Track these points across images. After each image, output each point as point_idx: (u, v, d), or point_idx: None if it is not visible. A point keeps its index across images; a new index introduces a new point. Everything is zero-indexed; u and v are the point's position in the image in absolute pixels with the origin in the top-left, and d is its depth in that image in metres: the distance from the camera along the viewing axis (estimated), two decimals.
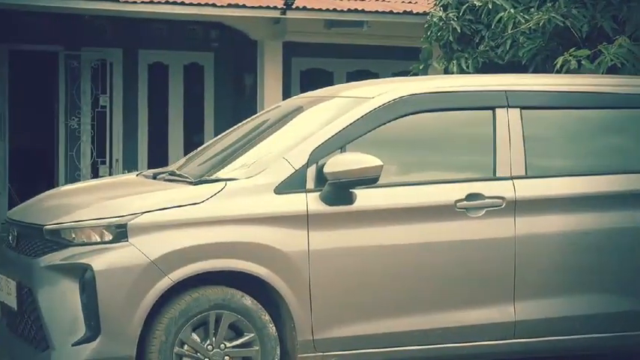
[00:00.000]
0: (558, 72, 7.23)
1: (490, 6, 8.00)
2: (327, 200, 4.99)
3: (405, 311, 5.10)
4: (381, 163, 4.95)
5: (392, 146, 5.26)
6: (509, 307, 5.22)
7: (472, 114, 5.42)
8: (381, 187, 5.09)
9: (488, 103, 5.41)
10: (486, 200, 5.20)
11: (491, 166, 5.32)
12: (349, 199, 5.02)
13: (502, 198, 5.22)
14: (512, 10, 7.82)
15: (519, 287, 5.22)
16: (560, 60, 7.22)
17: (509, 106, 5.39)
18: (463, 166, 5.37)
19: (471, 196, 5.20)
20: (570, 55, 7.18)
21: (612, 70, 7.15)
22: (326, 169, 4.98)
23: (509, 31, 7.78)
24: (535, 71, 7.74)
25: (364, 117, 5.18)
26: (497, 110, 5.37)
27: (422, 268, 5.14)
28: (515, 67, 7.85)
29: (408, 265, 5.11)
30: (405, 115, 5.26)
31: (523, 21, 7.74)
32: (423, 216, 5.13)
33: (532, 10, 7.83)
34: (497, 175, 5.28)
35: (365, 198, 5.05)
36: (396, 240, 5.08)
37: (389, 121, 5.22)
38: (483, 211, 5.19)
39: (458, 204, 5.18)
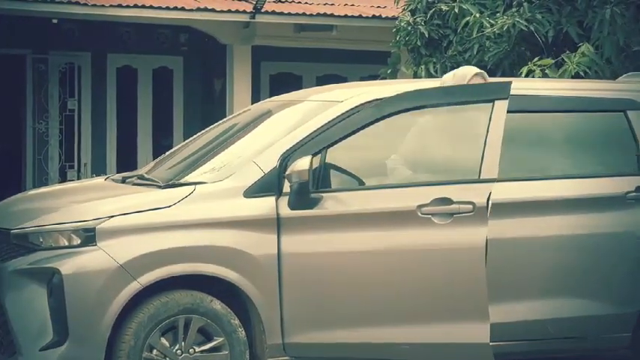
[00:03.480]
0: None
1: (457, 10, 8.07)
2: (291, 205, 4.98)
3: (367, 322, 5.03)
4: (305, 168, 4.83)
5: (362, 149, 5.25)
6: (484, 326, 5.03)
7: (441, 117, 5.37)
8: (346, 191, 5.08)
9: (452, 101, 5.29)
10: (453, 206, 5.09)
11: (462, 170, 5.24)
12: (308, 204, 4.97)
13: (472, 203, 5.09)
14: (477, 15, 7.89)
15: (492, 301, 5.02)
16: (524, 70, 7.30)
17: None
18: (432, 169, 5.31)
19: (436, 201, 5.10)
20: (534, 65, 7.25)
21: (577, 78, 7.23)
22: (284, 175, 4.96)
23: (475, 35, 7.85)
24: (503, 76, 7.81)
25: (333, 120, 5.18)
26: (471, 112, 5.31)
27: (381, 277, 5.04)
28: None
29: (367, 274, 5.03)
30: (375, 119, 5.23)
31: (489, 26, 7.81)
32: (386, 222, 5.03)
33: (498, 14, 7.91)
34: (467, 178, 5.15)
35: (328, 203, 5.01)
36: (356, 247, 5.01)
37: (358, 124, 5.18)
38: (451, 218, 5.07)
39: (422, 209, 5.10)
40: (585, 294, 5.30)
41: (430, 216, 5.06)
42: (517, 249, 5.18)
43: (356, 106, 5.25)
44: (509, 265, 5.17)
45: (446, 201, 5.09)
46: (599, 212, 5.34)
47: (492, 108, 5.21)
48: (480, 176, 5.14)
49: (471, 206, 5.08)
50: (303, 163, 4.88)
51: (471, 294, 5.05)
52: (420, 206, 5.06)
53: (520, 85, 5.53)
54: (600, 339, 5.42)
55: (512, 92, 5.29)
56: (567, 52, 7.27)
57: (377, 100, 5.25)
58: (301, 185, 4.90)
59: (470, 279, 5.05)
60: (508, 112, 5.21)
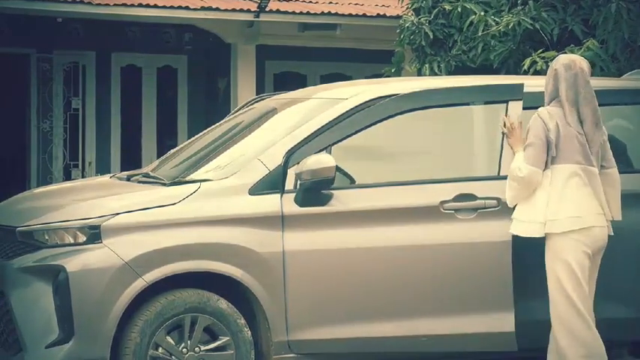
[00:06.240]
0: (526, 73, 7.30)
1: (460, 9, 8.07)
2: (300, 202, 4.99)
3: (380, 317, 5.05)
4: (333, 164, 4.87)
5: (369, 146, 5.24)
6: (509, 316, 5.08)
7: (450, 113, 5.35)
8: (358, 188, 5.09)
9: (465, 102, 5.36)
10: (478, 201, 5.13)
11: (479, 166, 5.29)
12: (320, 201, 4.99)
13: (497, 199, 5.13)
14: (482, 14, 7.89)
15: (518, 294, 5.06)
16: (527, 61, 7.31)
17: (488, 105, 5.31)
18: (446, 166, 5.30)
19: (460, 197, 5.13)
20: (538, 57, 7.26)
21: None
22: (295, 171, 4.98)
23: (480, 34, 7.85)
24: (507, 74, 7.81)
25: (338, 118, 5.18)
26: (486, 112, 5.32)
27: (398, 272, 5.07)
28: (487, 70, 7.91)
29: (382, 270, 5.05)
30: (381, 117, 5.21)
31: (494, 24, 7.81)
32: (403, 218, 5.06)
33: (503, 13, 7.91)
34: (486, 175, 5.20)
35: (342, 199, 5.03)
36: (371, 243, 5.03)
37: (364, 122, 5.18)
38: (475, 213, 5.11)
39: (445, 205, 5.12)
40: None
41: (453, 211, 5.10)
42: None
43: (361, 104, 5.24)
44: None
45: (470, 197, 5.12)
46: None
47: (507, 108, 5.25)
48: (499, 173, 5.18)
49: (496, 201, 5.13)
50: (313, 162, 4.88)
51: (498, 285, 5.08)
52: (443, 202, 5.10)
53: (530, 83, 5.52)
54: None
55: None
56: (572, 46, 7.27)
57: (380, 97, 5.25)
58: (316, 183, 4.90)
59: (497, 271, 5.08)
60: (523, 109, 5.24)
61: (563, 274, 4.89)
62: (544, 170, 4.94)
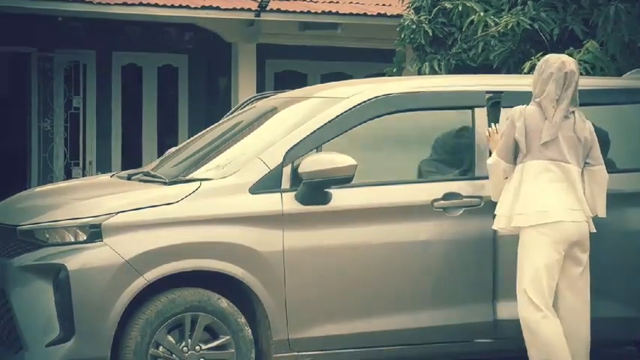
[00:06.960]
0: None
1: (460, 8, 8.07)
2: (302, 200, 5.01)
3: (381, 311, 5.10)
4: (355, 163, 4.95)
5: (368, 146, 5.27)
6: (489, 306, 5.23)
7: (448, 114, 5.42)
8: (357, 186, 5.11)
9: (465, 103, 5.41)
10: (464, 199, 5.22)
11: (469, 166, 5.34)
12: (324, 199, 5.03)
13: (480, 197, 5.24)
14: (482, 13, 7.90)
15: (499, 287, 5.20)
16: (527, 65, 7.31)
17: (488, 106, 5.37)
18: (440, 165, 5.37)
19: (448, 196, 5.21)
20: (537, 60, 7.26)
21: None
22: (300, 169, 4.99)
23: (480, 34, 7.86)
24: (508, 74, 7.81)
25: (339, 117, 5.20)
26: (476, 110, 5.38)
27: (398, 267, 5.13)
28: (487, 69, 7.92)
29: (383, 265, 5.11)
30: (380, 115, 5.26)
31: (493, 24, 7.82)
32: (399, 215, 5.13)
33: (503, 13, 7.91)
34: (475, 175, 5.29)
35: (341, 198, 5.06)
36: (371, 240, 5.09)
37: (364, 121, 5.22)
38: (461, 211, 5.21)
39: (435, 203, 5.19)
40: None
41: (442, 209, 5.18)
42: None
43: (360, 103, 5.26)
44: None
45: (456, 195, 5.21)
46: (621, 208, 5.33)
47: (473, 114, 5.34)
48: (474, 174, 5.29)
49: (478, 199, 5.21)
50: (328, 160, 4.92)
51: (480, 278, 5.20)
52: (434, 200, 5.18)
53: (517, 82, 5.60)
54: None
55: (511, 89, 5.43)
56: (572, 48, 7.28)
57: (377, 97, 5.27)
58: (325, 181, 4.94)
59: (483, 264, 5.20)
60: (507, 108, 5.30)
61: (525, 268, 4.98)
62: (515, 166, 5.08)
